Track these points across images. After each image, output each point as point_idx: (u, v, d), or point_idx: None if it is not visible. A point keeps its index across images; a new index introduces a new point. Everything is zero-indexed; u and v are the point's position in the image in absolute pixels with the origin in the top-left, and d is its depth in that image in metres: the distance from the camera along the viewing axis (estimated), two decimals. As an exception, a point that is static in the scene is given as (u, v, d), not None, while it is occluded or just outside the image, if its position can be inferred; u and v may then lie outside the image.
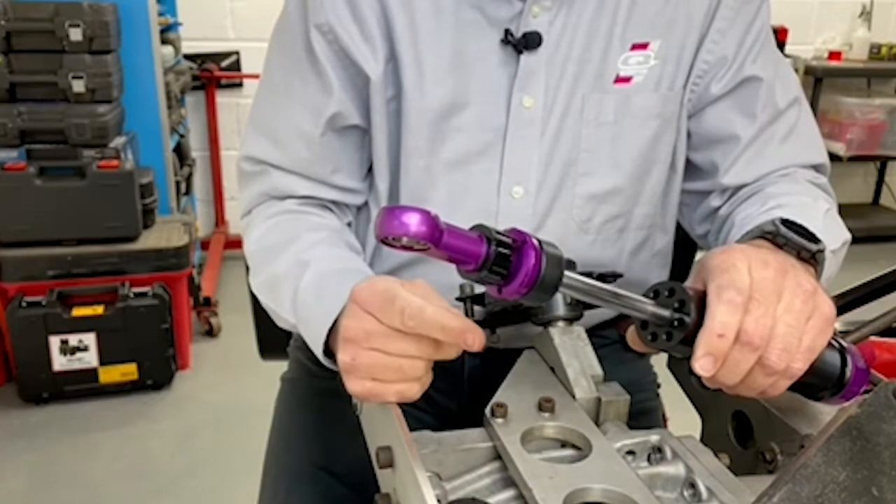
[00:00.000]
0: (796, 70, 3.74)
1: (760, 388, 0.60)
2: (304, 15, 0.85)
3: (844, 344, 0.65)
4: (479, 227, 0.51)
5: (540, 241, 0.51)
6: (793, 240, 0.68)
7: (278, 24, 0.90)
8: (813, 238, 0.69)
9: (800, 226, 0.70)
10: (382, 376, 0.61)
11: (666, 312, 0.59)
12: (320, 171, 0.90)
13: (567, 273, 0.52)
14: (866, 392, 0.61)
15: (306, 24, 0.85)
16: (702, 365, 0.57)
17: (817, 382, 0.64)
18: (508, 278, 0.50)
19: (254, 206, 0.94)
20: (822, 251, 0.69)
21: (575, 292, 0.55)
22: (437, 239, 0.45)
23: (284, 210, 0.90)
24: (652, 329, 0.61)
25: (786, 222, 0.70)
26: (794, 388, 0.64)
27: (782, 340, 0.57)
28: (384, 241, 0.45)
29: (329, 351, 0.73)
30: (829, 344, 0.63)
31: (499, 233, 0.51)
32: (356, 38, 0.85)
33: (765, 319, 0.57)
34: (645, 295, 0.61)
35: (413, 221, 0.44)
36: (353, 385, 0.63)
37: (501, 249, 0.49)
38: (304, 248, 0.82)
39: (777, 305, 0.58)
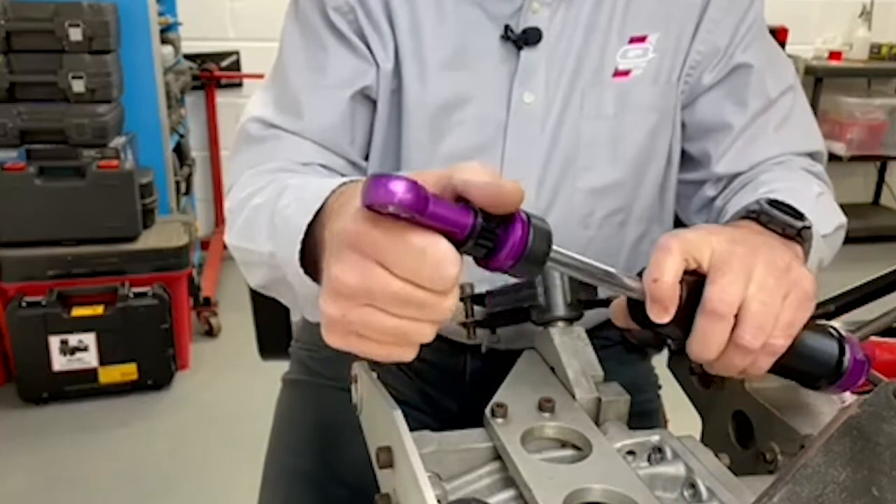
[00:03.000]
0: (796, 70, 3.74)
1: (740, 367, 0.60)
2: (319, 0, 0.85)
3: (844, 333, 0.65)
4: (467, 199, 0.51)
5: (528, 215, 0.51)
6: (776, 217, 0.67)
7: (291, 15, 0.90)
8: (798, 215, 0.68)
9: (786, 204, 0.69)
10: (376, 337, 0.50)
11: None
12: (341, 139, 0.88)
13: (555, 248, 0.52)
14: (867, 392, 0.61)
15: (323, 7, 0.85)
16: (654, 312, 0.58)
17: (813, 370, 0.64)
18: (494, 250, 0.50)
19: (245, 171, 0.86)
20: (808, 228, 0.68)
21: (563, 267, 0.55)
22: (422, 208, 0.44)
23: (279, 168, 0.84)
24: (641, 308, 0.61)
25: (771, 202, 0.69)
26: (789, 375, 0.64)
27: (756, 318, 0.57)
28: (370, 208, 0.46)
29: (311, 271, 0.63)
30: (828, 333, 0.64)
31: None
32: (367, 26, 0.85)
33: (729, 287, 0.57)
34: (638, 275, 0.61)
35: (399, 189, 0.43)
36: (333, 339, 0.52)
37: (488, 221, 0.49)
38: (286, 178, 0.77)
39: (745, 280, 0.57)
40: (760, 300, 0.57)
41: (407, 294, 0.48)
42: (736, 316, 0.57)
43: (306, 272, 0.63)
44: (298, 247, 0.62)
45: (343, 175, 0.89)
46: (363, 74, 0.87)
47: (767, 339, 0.58)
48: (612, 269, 0.58)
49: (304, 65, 0.88)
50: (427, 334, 0.51)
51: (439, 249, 0.47)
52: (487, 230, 0.49)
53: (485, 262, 0.51)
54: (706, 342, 0.58)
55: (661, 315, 0.58)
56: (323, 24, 0.86)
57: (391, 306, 0.48)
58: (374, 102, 0.89)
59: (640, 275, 0.60)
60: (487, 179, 0.47)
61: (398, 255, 0.47)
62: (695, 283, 0.59)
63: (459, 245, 0.49)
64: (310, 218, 0.61)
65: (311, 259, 0.63)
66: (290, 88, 0.88)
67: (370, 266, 0.48)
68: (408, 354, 0.52)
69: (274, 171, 0.82)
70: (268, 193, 0.75)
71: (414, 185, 0.44)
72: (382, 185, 0.44)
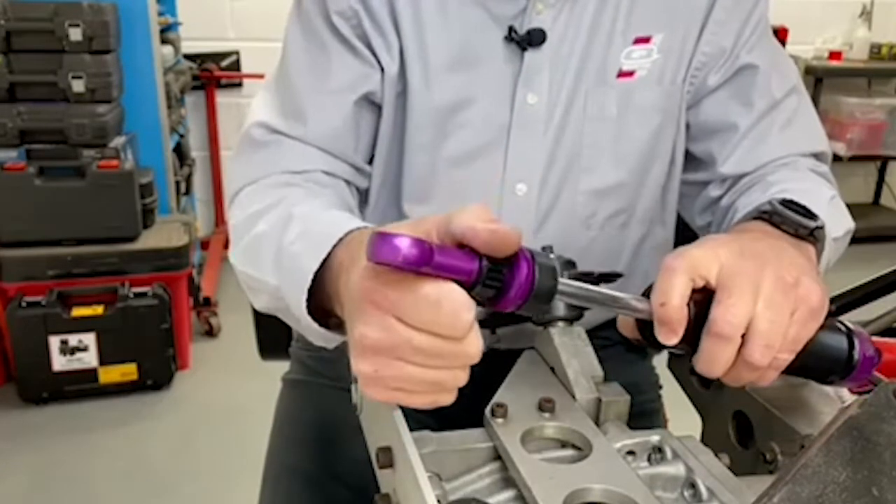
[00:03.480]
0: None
1: (747, 381, 0.60)
2: (322, 5, 0.85)
3: (852, 327, 0.64)
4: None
5: (532, 252, 0.52)
6: (789, 217, 0.67)
7: (294, 18, 0.89)
8: (811, 215, 0.68)
9: (798, 204, 0.69)
10: (414, 388, 0.52)
11: None
12: (345, 144, 0.87)
13: (562, 280, 0.53)
14: (867, 392, 0.61)
15: (326, 12, 0.85)
16: (662, 335, 0.58)
17: (824, 367, 0.64)
18: (502, 292, 0.51)
19: (250, 181, 0.85)
20: (820, 228, 0.68)
21: (572, 299, 0.56)
22: (427, 261, 0.46)
23: (283, 183, 0.84)
24: (650, 328, 0.61)
25: (784, 202, 0.69)
26: (800, 373, 0.64)
27: (764, 337, 0.57)
28: (377, 264, 0.47)
29: (318, 308, 0.64)
30: (837, 328, 0.63)
31: None
32: (371, 30, 0.85)
33: (735, 308, 0.56)
34: (644, 294, 0.61)
35: (403, 245, 0.45)
36: (374, 394, 0.53)
37: (493, 264, 0.50)
38: (290, 204, 0.75)
39: (753, 298, 0.57)
40: (769, 318, 0.57)
41: (430, 346, 0.49)
42: (744, 332, 0.57)
43: (313, 312, 0.64)
44: (305, 295, 0.63)
45: (346, 181, 0.89)
46: (367, 79, 0.86)
47: (776, 355, 0.58)
48: (618, 294, 0.59)
49: (307, 69, 0.87)
50: (461, 378, 0.53)
51: (454, 299, 0.48)
52: (494, 272, 0.50)
53: (494, 304, 0.52)
54: (712, 362, 0.58)
55: (670, 337, 0.58)
56: (326, 29, 0.86)
57: (418, 358, 0.50)
58: (378, 107, 0.89)
59: (646, 294, 0.60)
60: (485, 226, 0.48)
61: (414, 309, 0.48)
62: (703, 299, 0.59)
63: (468, 290, 0.50)
64: (316, 266, 0.62)
65: (317, 301, 0.64)
66: (294, 93, 0.87)
67: (390, 321, 0.49)
68: (449, 399, 0.54)
69: (276, 187, 0.82)
70: (272, 220, 0.74)
71: (416, 240, 0.45)
72: (386, 242, 0.45)
